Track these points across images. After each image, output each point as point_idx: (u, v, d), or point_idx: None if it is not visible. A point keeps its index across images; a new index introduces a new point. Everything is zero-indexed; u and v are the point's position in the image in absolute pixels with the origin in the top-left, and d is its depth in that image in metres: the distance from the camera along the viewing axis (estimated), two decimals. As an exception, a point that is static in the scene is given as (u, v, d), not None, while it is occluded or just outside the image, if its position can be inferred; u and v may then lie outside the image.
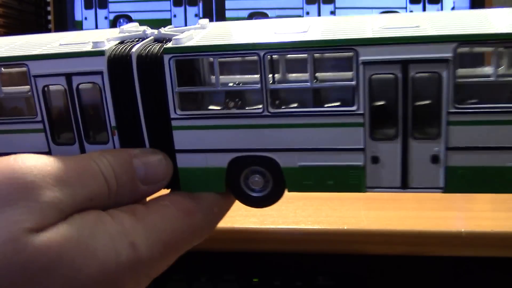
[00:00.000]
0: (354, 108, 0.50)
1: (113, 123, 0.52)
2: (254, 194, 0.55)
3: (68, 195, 0.40)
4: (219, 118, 0.53)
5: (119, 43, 0.52)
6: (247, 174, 0.54)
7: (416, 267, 0.93)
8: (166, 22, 1.44)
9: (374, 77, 0.50)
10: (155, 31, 0.55)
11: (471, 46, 0.51)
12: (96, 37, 0.55)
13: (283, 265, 0.96)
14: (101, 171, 0.44)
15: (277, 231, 0.83)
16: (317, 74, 0.58)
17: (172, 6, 1.43)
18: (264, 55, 0.50)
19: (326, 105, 0.53)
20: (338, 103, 0.54)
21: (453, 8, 1.26)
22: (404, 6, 1.31)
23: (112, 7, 1.46)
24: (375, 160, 0.51)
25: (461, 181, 0.50)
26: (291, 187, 0.53)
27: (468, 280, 0.94)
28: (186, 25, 1.31)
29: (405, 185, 0.51)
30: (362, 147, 0.51)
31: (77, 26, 1.48)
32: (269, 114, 0.51)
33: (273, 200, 0.55)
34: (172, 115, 0.52)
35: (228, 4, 1.41)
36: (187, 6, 1.43)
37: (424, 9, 1.28)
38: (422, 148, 0.50)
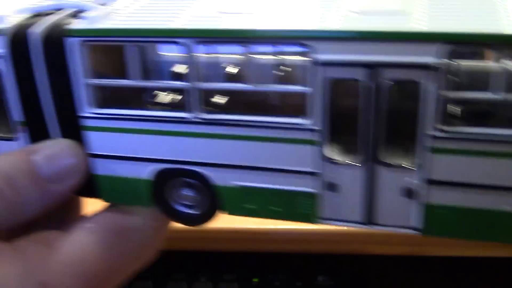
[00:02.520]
0: (306, 121, 0.39)
1: (20, 118, 0.42)
2: (185, 211, 0.46)
3: None
4: (143, 120, 0.43)
5: (32, 16, 0.41)
6: (176, 188, 0.45)
7: (416, 267, 0.93)
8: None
9: (334, 83, 0.38)
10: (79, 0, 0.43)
11: (462, 49, 0.37)
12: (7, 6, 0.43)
13: (283, 265, 0.96)
14: None
15: (277, 231, 0.83)
16: (267, 73, 0.45)
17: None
18: (192, 44, 0.38)
19: (273, 115, 0.41)
20: (288, 113, 0.41)
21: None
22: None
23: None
24: (332, 187, 0.41)
25: (442, 223, 0.40)
26: (229, 209, 0.44)
27: (468, 280, 0.94)
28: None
29: (369, 221, 0.42)
30: (315, 171, 0.40)
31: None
32: (201, 120, 0.41)
33: (206, 219, 0.47)
34: (83, 113, 0.43)
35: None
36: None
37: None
38: (393, 178, 0.40)
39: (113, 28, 0.40)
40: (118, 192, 0.45)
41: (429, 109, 0.37)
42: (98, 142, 0.43)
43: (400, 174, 0.40)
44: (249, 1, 0.43)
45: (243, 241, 0.85)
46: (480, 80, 0.41)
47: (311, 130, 0.39)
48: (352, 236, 0.82)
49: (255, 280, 0.96)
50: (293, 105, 0.41)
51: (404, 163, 0.40)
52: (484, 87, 0.38)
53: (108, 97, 0.43)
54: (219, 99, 0.45)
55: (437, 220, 0.40)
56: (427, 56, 0.35)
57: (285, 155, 0.40)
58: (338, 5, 0.40)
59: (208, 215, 0.47)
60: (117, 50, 0.44)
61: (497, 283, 0.94)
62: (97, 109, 0.43)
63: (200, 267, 0.97)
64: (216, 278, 0.96)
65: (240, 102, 0.45)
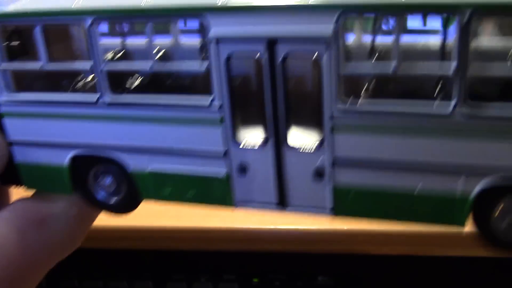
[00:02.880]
0: (207, 101, 0.38)
1: None
2: (107, 198, 0.45)
3: None
4: (53, 105, 0.43)
5: None
6: (95, 175, 0.45)
7: (416, 267, 0.93)
8: (166, 22, 1.43)
9: (233, 60, 0.37)
10: None
11: (359, 17, 0.38)
12: None
13: (283, 265, 0.96)
14: None
15: (277, 231, 0.83)
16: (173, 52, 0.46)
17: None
18: (91, 24, 0.38)
19: (178, 95, 0.41)
20: (196, 93, 0.41)
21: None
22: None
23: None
24: (243, 169, 0.40)
25: (352, 203, 0.40)
26: (145, 194, 0.44)
27: (468, 280, 0.94)
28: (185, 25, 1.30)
29: (283, 203, 0.41)
30: (222, 151, 0.40)
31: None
32: (108, 103, 0.41)
33: (130, 207, 0.46)
34: None
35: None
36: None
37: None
38: (301, 159, 0.39)
39: (15, 11, 0.40)
40: (38, 179, 0.44)
41: (329, 85, 0.36)
42: (15, 128, 0.43)
43: (308, 156, 0.39)
44: None
45: (243, 241, 0.84)
46: (379, 53, 0.41)
47: (216, 109, 0.39)
48: (352, 236, 0.82)
49: (255, 280, 0.96)
50: (200, 85, 0.41)
51: (311, 143, 0.39)
52: (384, 59, 0.37)
53: (23, 82, 0.43)
54: (129, 81, 0.44)
55: (346, 200, 0.39)
56: (322, 29, 0.34)
57: (194, 136, 0.40)
58: None
59: (130, 203, 0.45)
60: (28, 34, 0.43)
61: (497, 283, 0.94)
62: (12, 94, 0.42)
63: (200, 267, 0.97)
64: (216, 278, 0.96)
65: (150, 84, 0.44)
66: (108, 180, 0.44)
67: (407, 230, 0.80)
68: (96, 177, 0.45)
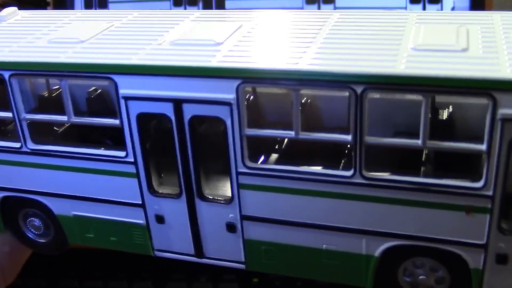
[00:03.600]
0: (123, 154, 0.42)
1: None
2: (39, 239, 0.49)
3: None
4: None
5: None
6: (25, 215, 0.48)
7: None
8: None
9: (143, 117, 0.40)
10: None
11: (257, 86, 0.41)
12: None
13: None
14: None
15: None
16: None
17: (172, 6, 1.42)
18: (9, 77, 0.41)
19: (98, 147, 0.44)
20: (112, 147, 0.44)
21: (453, 8, 1.25)
22: (404, 6, 1.30)
23: (112, 7, 1.45)
24: (160, 219, 0.43)
25: (264, 258, 0.42)
26: (70, 238, 0.47)
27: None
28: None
29: (199, 254, 0.44)
30: (139, 202, 0.43)
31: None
32: (29, 150, 0.44)
33: (59, 247, 0.49)
34: None
35: (228, 4, 1.40)
36: (187, 6, 1.43)
37: (424, 9, 1.27)
38: (215, 212, 0.42)
39: None
40: None
41: (234, 145, 0.38)
42: None
43: (221, 209, 0.41)
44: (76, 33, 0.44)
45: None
46: (281, 116, 0.43)
47: (131, 162, 0.41)
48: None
49: (255, 280, 0.96)
50: (116, 138, 0.43)
51: (222, 198, 0.41)
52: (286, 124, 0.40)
53: None
54: (55, 130, 0.47)
55: (256, 254, 0.42)
56: (225, 93, 0.36)
57: (112, 187, 0.42)
58: (161, 38, 0.41)
59: (59, 244, 0.48)
60: None
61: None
62: None
63: (200, 267, 0.97)
64: (216, 278, 0.95)
65: (71, 134, 0.47)
66: (36, 222, 0.47)
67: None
68: (25, 217, 0.48)
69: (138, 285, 0.96)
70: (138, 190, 0.42)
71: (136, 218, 0.43)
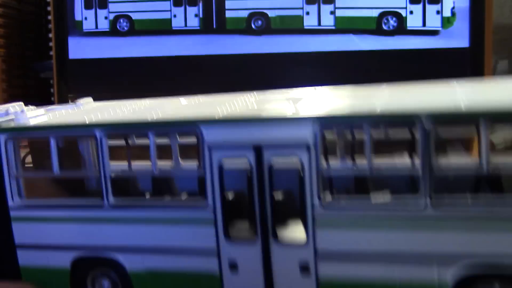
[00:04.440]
0: (205, 201, 0.43)
1: None
2: None
3: None
4: (59, 208, 0.47)
5: None
6: (94, 278, 0.48)
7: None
8: (166, 22, 1.43)
9: (225, 164, 0.42)
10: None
11: (337, 129, 0.44)
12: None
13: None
14: None
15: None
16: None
17: (172, 6, 1.43)
18: (100, 136, 0.43)
19: (173, 197, 0.46)
20: (187, 195, 0.47)
21: (453, 8, 1.25)
22: (404, 6, 1.30)
23: (112, 7, 1.45)
24: (232, 267, 0.42)
25: None
26: None
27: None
28: (186, 25, 1.31)
29: None
30: (214, 249, 0.42)
31: (77, 26, 1.47)
32: (110, 206, 0.45)
33: None
34: (10, 203, 0.47)
35: (228, 4, 1.41)
36: (187, 6, 1.43)
37: (424, 9, 1.27)
38: (288, 254, 0.41)
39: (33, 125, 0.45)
40: (40, 283, 0.47)
41: (311, 185, 0.40)
42: (22, 231, 0.46)
43: (294, 250, 0.41)
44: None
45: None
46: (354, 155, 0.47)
47: (210, 209, 0.42)
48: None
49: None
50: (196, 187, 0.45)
51: (297, 239, 0.42)
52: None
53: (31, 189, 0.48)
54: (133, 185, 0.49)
55: None
56: (303, 136, 0.39)
57: (187, 235, 0.43)
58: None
59: None
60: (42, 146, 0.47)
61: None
62: (23, 200, 0.47)
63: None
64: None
65: (147, 187, 0.49)
66: (108, 283, 0.47)
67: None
68: (93, 281, 0.48)
69: (138, 285, 0.96)
70: (214, 237, 0.42)
71: (207, 266, 0.43)
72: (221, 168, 0.42)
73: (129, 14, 1.46)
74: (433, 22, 1.31)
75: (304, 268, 0.40)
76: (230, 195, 0.44)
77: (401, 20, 1.30)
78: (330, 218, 0.40)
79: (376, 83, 1.42)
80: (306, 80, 1.36)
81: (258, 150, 0.40)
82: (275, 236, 0.41)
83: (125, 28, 1.45)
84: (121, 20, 1.46)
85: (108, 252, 0.45)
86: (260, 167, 0.41)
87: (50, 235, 0.46)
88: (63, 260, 0.46)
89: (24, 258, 0.46)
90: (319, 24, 1.37)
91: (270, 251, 0.41)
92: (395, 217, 0.40)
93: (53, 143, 0.45)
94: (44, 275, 0.46)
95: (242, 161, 0.42)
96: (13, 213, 0.46)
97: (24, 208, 0.46)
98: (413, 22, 1.30)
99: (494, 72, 1.72)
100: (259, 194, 0.41)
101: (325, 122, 0.40)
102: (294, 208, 0.43)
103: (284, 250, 0.41)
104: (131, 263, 0.44)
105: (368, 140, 0.41)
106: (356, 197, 0.43)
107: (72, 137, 0.48)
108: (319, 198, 0.40)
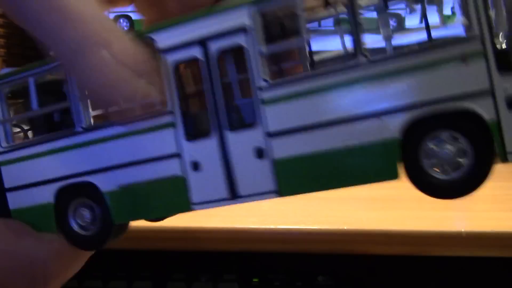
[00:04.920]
0: (161, 107, 0.43)
1: None
2: (83, 232, 0.46)
3: None
4: (39, 144, 0.47)
5: None
6: (75, 208, 0.47)
7: (416, 267, 0.92)
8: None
9: (178, 65, 0.42)
10: None
11: (273, 8, 0.42)
12: None
13: (283, 265, 0.96)
14: None
15: (276, 231, 0.83)
16: None
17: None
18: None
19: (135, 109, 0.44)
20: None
21: (452, 8, 1.26)
22: (404, 6, 1.31)
23: (112, 7, 1.46)
24: (195, 165, 0.42)
25: (293, 178, 0.41)
26: (117, 216, 0.45)
27: (468, 280, 0.94)
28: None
29: (234, 195, 0.42)
30: (177, 152, 0.43)
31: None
32: (81, 129, 0.45)
33: (103, 240, 0.47)
34: None
35: None
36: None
37: (423, 9, 1.27)
38: (242, 140, 0.41)
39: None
40: (30, 223, 0.47)
41: (254, 66, 0.40)
42: (10, 175, 0.47)
43: (248, 135, 0.41)
44: None
45: (243, 241, 0.84)
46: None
47: (169, 114, 0.42)
48: (352, 236, 0.82)
49: (255, 280, 0.96)
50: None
51: (248, 124, 0.41)
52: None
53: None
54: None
55: (287, 176, 0.40)
56: (241, 22, 0.40)
57: (151, 144, 0.43)
58: None
59: (103, 234, 0.47)
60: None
61: (497, 283, 0.94)
62: (9, 144, 0.47)
63: (200, 267, 0.97)
64: (216, 278, 0.96)
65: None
66: (87, 211, 0.46)
67: (407, 230, 0.80)
68: (74, 212, 0.47)
69: (137, 285, 0.96)
70: (174, 139, 0.43)
71: (173, 170, 0.43)
72: (175, 70, 0.42)
73: (129, 14, 1.46)
74: (433, 21, 1.31)
75: (259, 152, 0.41)
76: (186, 97, 0.44)
77: (400, 20, 1.30)
78: (277, 97, 0.40)
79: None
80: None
81: (203, 44, 0.41)
82: (229, 126, 0.41)
83: (125, 28, 1.45)
84: (121, 20, 1.47)
85: (83, 177, 0.46)
86: (207, 60, 0.41)
87: (33, 172, 0.47)
88: (47, 195, 0.47)
89: (14, 201, 0.47)
90: (319, 25, 1.37)
91: (225, 142, 0.41)
92: (339, 80, 0.39)
93: (32, 82, 0.46)
94: (32, 214, 0.47)
95: (192, 58, 0.42)
96: (1, 158, 0.47)
97: (10, 151, 0.47)
98: (412, 21, 1.30)
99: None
100: (210, 88, 0.42)
101: (260, 5, 0.40)
102: (245, 96, 0.44)
103: (237, 138, 0.41)
104: (104, 183, 0.45)
105: (302, 13, 0.40)
106: (299, 73, 0.42)
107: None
108: (263, 79, 0.40)
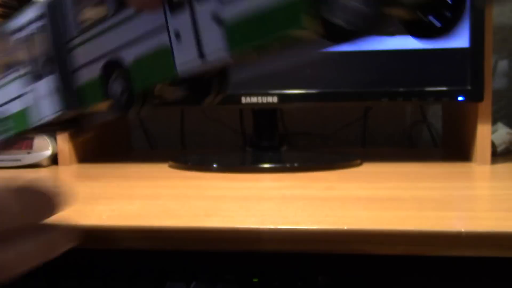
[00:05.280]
0: None
1: None
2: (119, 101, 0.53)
3: None
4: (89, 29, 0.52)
5: None
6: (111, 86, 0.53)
7: (416, 267, 0.92)
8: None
9: None
10: None
11: None
12: None
13: (283, 265, 0.96)
14: None
15: (277, 231, 0.83)
16: None
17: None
18: None
19: None
20: None
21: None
22: (404, 6, 1.31)
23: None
24: (177, 35, 0.46)
25: (237, 31, 0.42)
26: (136, 86, 0.50)
27: (468, 280, 0.94)
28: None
29: (201, 55, 0.45)
30: (164, 25, 0.46)
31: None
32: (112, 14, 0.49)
33: (128, 103, 0.51)
34: None
35: None
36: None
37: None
38: (204, 10, 0.43)
39: None
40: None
41: None
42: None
43: (209, 4, 0.42)
44: None
45: (243, 241, 0.84)
46: None
47: None
48: (352, 236, 0.82)
49: (255, 280, 0.96)
50: None
51: None
52: None
53: None
54: None
55: (235, 31, 0.41)
56: None
57: (147, 21, 0.46)
58: None
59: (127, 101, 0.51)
60: None
61: (497, 283, 0.94)
62: None
63: (200, 267, 0.97)
64: (216, 278, 0.96)
65: None
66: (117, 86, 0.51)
67: (407, 230, 0.80)
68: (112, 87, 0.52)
69: (137, 285, 0.96)
70: (164, 15, 0.46)
71: (162, 40, 0.47)
72: None
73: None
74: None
75: (216, 18, 0.43)
76: None
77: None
78: None
79: (375, 83, 1.43)
80: (305, 78, 1.36)
81: None
82: None
83: None
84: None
85: (115, 54, 0.51)
86: None
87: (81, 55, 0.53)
88: (95, 71, 0.53)
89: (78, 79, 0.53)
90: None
91: (194, 12, 0.44)
92: None
93: None
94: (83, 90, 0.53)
95: None
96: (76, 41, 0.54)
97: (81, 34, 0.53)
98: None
99: (494, 72, 1.73)
100: None
101: None
102: None
103: (201, 6, 0.44)
104: (127, 56, 0.50)
105: None
106: None
107: None
108: None
